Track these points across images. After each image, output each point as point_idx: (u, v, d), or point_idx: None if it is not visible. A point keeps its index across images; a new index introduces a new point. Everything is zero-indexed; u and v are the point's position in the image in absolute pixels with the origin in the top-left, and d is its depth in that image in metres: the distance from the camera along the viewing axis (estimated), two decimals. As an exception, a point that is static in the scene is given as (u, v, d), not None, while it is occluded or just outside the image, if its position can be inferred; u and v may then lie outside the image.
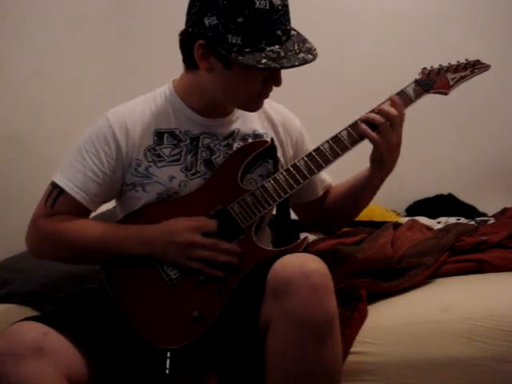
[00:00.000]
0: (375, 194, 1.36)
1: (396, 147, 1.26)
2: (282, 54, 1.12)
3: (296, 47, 1.14)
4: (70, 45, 2.35)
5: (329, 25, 2.53)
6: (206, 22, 1.12)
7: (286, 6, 1.14)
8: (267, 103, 1.36)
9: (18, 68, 2.14)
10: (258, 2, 1.09)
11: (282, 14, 1.12)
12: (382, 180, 1.32)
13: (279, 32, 1.12)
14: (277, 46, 1.12)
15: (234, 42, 1.11)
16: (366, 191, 1.35)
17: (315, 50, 1.15)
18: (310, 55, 1.13)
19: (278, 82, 1.19)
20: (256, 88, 1.19)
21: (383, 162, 1.27)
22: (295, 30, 1.19)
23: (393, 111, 1.24)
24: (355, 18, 2.58)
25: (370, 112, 1.26)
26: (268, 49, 1.11)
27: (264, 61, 1.10)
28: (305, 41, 1.17)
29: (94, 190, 1.23)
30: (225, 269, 1.16)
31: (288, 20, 1.15)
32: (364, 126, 1.24)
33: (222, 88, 1.21)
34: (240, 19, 1.09)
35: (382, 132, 1.23)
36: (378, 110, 1.25)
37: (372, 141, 1.24)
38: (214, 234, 1.17)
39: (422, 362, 1.21)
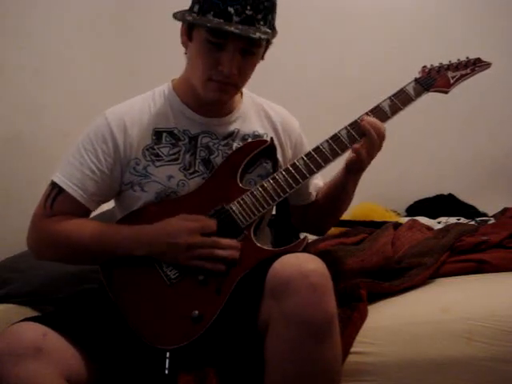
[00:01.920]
0: (353, 193, 1.36)
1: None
2: (215, 21, 1.12)
3: (243, 27, 1.12)
4: (70, 45, 2.35)
5: (329, 25, 2.53)
6: None
7: None
8: (267, 104, 1.36)
9: (18, 68, 2.14)
10: None
11: None
12: (357, 182, 1.33)
13: (231, 9, 1.12)
14: (222, 20, 1.12)
15: (194, 10, 1.16)
16: (344, 194, 1.35)
17: (256, 37, 1.11)
18: (243, 32, 1.10)
19: (224, 66, 1.15)
20: (208, 68, 1.17)
21: (361, 171, 1.29)
22: (271, 30, 1.16)
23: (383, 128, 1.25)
24: (355, 18, 2.58)
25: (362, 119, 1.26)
26: (214, 19, 1.12)
27: (190, 18, 1.15)
28: (264, 33, 1.13)
29: (91, 189, 1.22)
30: (226, 265, 1.16)
31: (252, 6, 1.12)
32: (355, 145, 1.24)
33: (189, 66, 1.24)
34: None
35: (370, 146, 1.24)
36: (372, 125, 1.24)
37: (360, 157, 1.24)
38: (213, 234, 1.17)
39: (422, 362, 1.21)
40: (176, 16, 1.18)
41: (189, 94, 1.27)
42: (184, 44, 1.23)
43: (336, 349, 1.07)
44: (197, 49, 1.18)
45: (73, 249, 1.22)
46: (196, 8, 1.16)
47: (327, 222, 1.47)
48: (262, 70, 1.26)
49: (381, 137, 1.25)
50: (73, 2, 2.39)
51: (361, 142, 1.25)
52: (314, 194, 1.44)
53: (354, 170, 1.30)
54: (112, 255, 1.20)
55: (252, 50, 1.18)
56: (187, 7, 1.20)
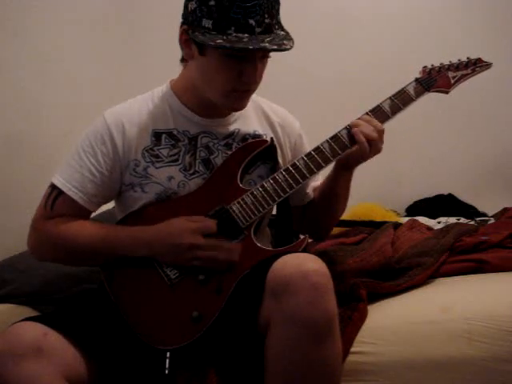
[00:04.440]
0: (347, 192, 1.36)
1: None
2: (245, 40, 1.09)
3: (268, 39, 1.11)
4: (70, 45, 2.35)
5: (329, 24, 2.53)
6: (189, 7, 1.14)
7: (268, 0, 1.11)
8: (267, 105, 1.36)
9: (18, 68, 2.14)
10: None
11: (258, 4, 1.09)
12: (349, 178, 1.33)
13: (252, 21, 1.10)
14: (246, 35, 1.10)
15: (205, 25, 1.11)
16: (337, 190, 1.35)
17: (288, 46, 1.11)
18: (274, 46, 1.10)
19: (250, 78, 1.16)
20: (230, 80, 1.16)
21: (352, 167, 1.30)
22: (285, 31, 1.16)
23: (373, 135, 1.23)
24: (356, 19, 2.58)
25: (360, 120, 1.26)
26: (234, 34, 1.09)
27: (219, 41, 1.09)
28: (287, 39, 1.13)
29: (91, 191, 1.22)
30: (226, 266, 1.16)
31: (269, 13, 1.12)
32: (360, 135, 1.23)
33: (201, 77, 1.20)
34: (212, 2, 1.09)
35: (360, 151, 1.24)
36: (365, 135, 1.23)
37: (362, 149, 1.24)
38: (213, 235, 1.17)
39: (421, 361, 1.21)
40: (196, 39, 1.11)
41: (189, 96, 1.26)
42: (188, 56, 1.19)
43: (336, 348, 1.07)
44: (214, 63, 1.15)
45: (73, 250, 1.22)
46: (208, 23, 1.10)
47: (324, 224, 1.46)
48: (265, 71, 1.25)
49: (373, 145, 1.23)
50: (73, 2, 2.39)
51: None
52: (311, 193, 1.43)
53: (344, 165, 1.29)
54: (113, 256, 1.20)
55: (269, 56, 1.18)
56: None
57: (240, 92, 1.20)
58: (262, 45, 1.09)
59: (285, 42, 1.12)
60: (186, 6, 1.16)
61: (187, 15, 1.15)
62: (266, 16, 1.11)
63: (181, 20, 1.19)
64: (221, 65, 1.15)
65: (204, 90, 1.22)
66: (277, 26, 1.15)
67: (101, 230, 1.21)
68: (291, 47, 1.11)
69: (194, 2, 1.13)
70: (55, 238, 1.21)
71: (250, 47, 1.08)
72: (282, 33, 1.15)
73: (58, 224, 1.21)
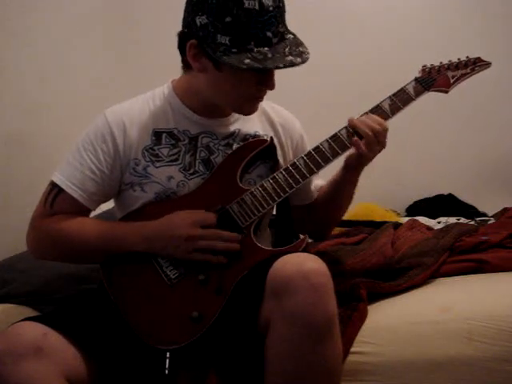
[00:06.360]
0: (353, 193, 1.36)
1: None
2: (269, 55, 1.10)
3: (287, 50, 1.12)
4: (70, 45, 2.35)
5: (329, 24, 2.54)
6: (198, 21, 1.12)
7: (278, 8, 1.12)
8: (268, 105, 1.36)
9: (18, 68, 2.14)
10: (246, 2, 1.08)
11: (273, 15, 1.10)
12: (357, 179, 1.33)
13: (269, 33, 1.11)
14: (266, 48, 1.11)
15: (222, 41, 1.10)
16: (344, 192, 1.35)
17: (308, 54, 1.13)
18: (298, 58, 1.12)
19: (270, 85, 1.18)
20: (248, 91, 1.18)
21: (361, 167, 1.29)
22: (292, 34, 1.17)
23: (377, 128, 1.23)
24: (356, 18, 2.58)
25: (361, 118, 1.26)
26: (256, 50, 1.10)
27: (247, 61, 1.09)
28: (299, 44, 1.15)
29: (91, 189, 1.22)
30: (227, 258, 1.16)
31: (281, 22, 1.14)
32: (355, 138, 1.24)
33: (214, 89, 1.20)
34: (228, 19, 1.09)
35: (368, 145, 1.23)
36: (365, 125, 1.24)
37: (360, 151, 1.24)
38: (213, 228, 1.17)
39: (422, 361, 1.21)
40: (220, 59, 1.11)
41: (190, 97, 1.26)
42: (199, 69, 1.18)
43: (336, 349, 1.07)
44: (232, 78, 1.15)
45: (74, 247, 1.22)
46: (225, 40, 1.10)
47: (327, 224, 1.46)
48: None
49: (378, 134, 1.23)
50: (73, 2, 2.39)
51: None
52: (315, 193, 1.43)
53: (353, 166, 1.29)
54: (113, 252, 1.20)
55: None
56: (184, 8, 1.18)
57: (256, 99, 1.22)
58: (288, 59, 1.11)
59: (301, 49, 1.14)
60: (192, 20, 1.13)
61: (196, 30, 1.13)
62: (280, 26, 1.13)
63: (184, 30, 1.17)
64: (240, 79, 1.15)
65: (215, 98, 1.23)
66: (286, 32, 1.16)
67: (101, 226, 1.22)
68: (309, 54, 1.13)
69: (204, 17, 1.11)
70: (55, 235, 1.22)
71: (281, 65, 1.10)
72: (291, 36, 1.16)
73: (58, 221, 1.22)
